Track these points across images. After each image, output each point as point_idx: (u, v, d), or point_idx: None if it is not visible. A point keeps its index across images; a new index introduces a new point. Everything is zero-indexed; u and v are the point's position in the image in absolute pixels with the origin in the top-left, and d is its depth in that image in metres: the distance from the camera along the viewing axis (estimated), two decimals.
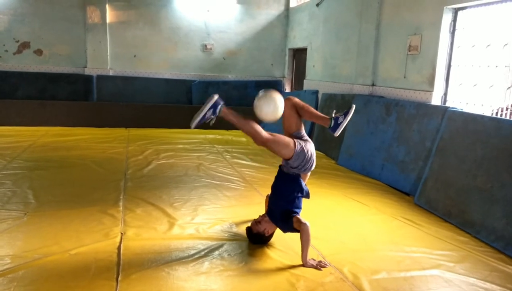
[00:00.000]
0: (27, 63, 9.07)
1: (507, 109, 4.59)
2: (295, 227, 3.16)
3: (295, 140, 3.26)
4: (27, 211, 3.92)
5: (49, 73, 9.12)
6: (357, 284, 2.90)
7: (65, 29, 9.16)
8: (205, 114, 3.12)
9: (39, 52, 9.13)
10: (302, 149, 3.23)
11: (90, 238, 3.38)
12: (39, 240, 3.32)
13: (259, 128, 3.14)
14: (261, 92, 3.24)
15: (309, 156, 3.26)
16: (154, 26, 9.62)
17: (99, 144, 7.09)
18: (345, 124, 3.27)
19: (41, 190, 4.55)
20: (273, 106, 3.17)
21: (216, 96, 3.15)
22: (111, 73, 9.49)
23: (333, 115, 3.34)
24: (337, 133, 3.28)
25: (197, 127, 3.17)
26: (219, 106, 3.15)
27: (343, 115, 3.29)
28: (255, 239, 3.44)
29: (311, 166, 3.32)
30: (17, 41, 8.97)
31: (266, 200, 3.86)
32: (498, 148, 3.98)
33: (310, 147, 3.30)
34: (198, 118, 3.13)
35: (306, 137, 3.38)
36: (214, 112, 3.15)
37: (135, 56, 9.66)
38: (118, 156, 6.34)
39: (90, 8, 9.10)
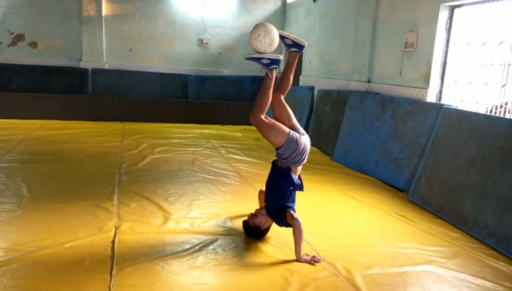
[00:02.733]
0: (22, 56, 9.00)
1: (501, 107, 4.62)
2: (288, 222, 3.18)
3: (292, 131, 3.28)
4: (20, 204, 3.91)
5: (44, 66, 9.06)
6: (350, 279, 2.92)
7: (60, 21, 9.09)
8: (264, 59, 3.20)
9: (33, 44, 9.06)
10: (296, 140, 3.23)
11: (85, 232, 3.38)
12: (33, 233, 3.31)
13: (267, 107, 3.21)
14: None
15: (302, 148, 3.25)
16: (150, 19, 9.57)
17: (94, 138, 7.06)
18: (267, 55, 3.19)
19: (35, 183, 4.53)
20: (265, 30, 3.19)
21: (281, 59, 3.25)
22: (106, 66, 9.44)
23: (265, 69, 3.25)
24: (279, 57, 3.21)
25: (248, 59, 3.25)
26: (274, 66, 3.22)
27: (260, 61, 3.22)
28: (251, 233, 3.45)
29: (303, 159, 3.31)
30: (12, 33, 8.89)
31: (259, 195, 3.87)
32: (492, 146, 4.01)
33: (305, 140, 3.30)
34: (256, 55, 3.21)
35: (302, 130, 3.39)
36: (267, 65, 3.22)
37: (130, 50, 9.61)
38: (113, 150, 6.32)
39: (86, 1, 9.03)
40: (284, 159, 3.28)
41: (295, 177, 3.33)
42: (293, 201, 3.34)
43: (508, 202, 3.68)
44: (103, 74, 9.38)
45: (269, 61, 3.23)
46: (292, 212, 3.21)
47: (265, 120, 3.19)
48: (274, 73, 3.27)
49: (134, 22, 9.49)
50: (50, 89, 8.99)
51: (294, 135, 3.25)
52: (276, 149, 3.30)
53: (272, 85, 3.27)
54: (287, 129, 3.26)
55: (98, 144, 6.61)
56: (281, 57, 3.29)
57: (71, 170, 5.19)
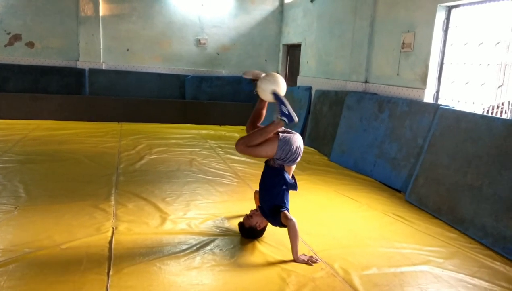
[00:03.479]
0: (19, 56, 8.97)
1: (498, 107, 4.64)
2: (283, 222, 3.18)
3: (280, 133, 3.27)
4: (17, 205, 3.90)
5: (41, 66, 9.03)
6: (348, 279, 2.93)
7: (58, 21, 9.07)
8: (285, 107, 3.19)
9: (30, 44, 9.03)
10: (287, 140, 3.22)
11: (82, 232, 3.37)
12: (30, 234, 3.30)
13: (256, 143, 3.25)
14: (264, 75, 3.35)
15: (295, 147, 3.24)
16: (148, 20, 9.56)
17: (91, 139, 7.05)
18: (289, 107, 3.22)
19: (32, 184, 4.51)
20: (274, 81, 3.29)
21: (295, 121, 3.23)
22: (103, 67, 9.42)
23: (278, 116, 3.25)
24: (295, 118, 3.23)
25: (274, 94, 3.24)
26: (285, 119, 3.19)
27: (280, 107, 3.24)
28: (248, 234, 3.45)
29: (297, 158, 3.29)
30: (9, 33, 8.86)
31: (254, 195, 3.86)
32: (489, 146, 4.02)
33: (296, 139, 3.28)
34: (283, 99, 3.22)
35: (289, 130, 3.39)
36: (282, 114, 3.18)
37: (128, 50, 9.59)
38: (110, 150, 6.31)
39: (83, 1, 9.01)
40: (280, 160, 3.28)
41: (288, 176, 3.32)
42: (287, 200, 3.33)
43: (505, 202, 3.70)
44: (101, 74, 9.36)
45: (288, 113, 3.18)
46: (286, 212, 3.21)
47: (250, 144, 3.23)
48: (281, 124, 3.23)
49: (131, 22, 9.47)
50: (47, 90, 8.97)
51: (283, 137, 3.23)
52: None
53: (273, 132, 3.27)
54: (273, 138, 3.24)
55: (96, 145, 6.60)
56: (297, 120, 3.28)
57: (68, 170, 5.17)
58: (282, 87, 3.30)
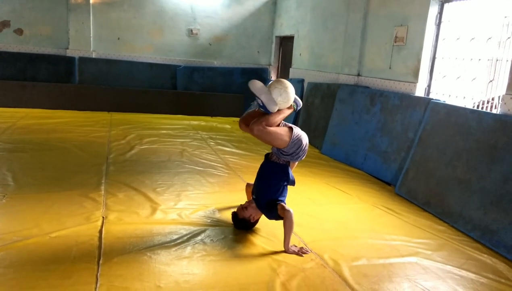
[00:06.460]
0: (7, 43, 8.80)
1: (488, 102, 4.68)
2: (279, 214, 3.19)
3: (294, 127, 3.26)
4: (5, 193, 3.85)
5: (30, 54, 8.87)
6: (338, 270, 2.95)
7: (47, 8, 8.90)
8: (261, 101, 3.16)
9: (19, 31, 8.86)
10: (299, 137, 3.23)
11: (71, 222, 3.35)
12: (19, 222, 3.26)
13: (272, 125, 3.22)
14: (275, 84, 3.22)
15: (304, 144, 3.28)
16: (139, 8, 9.44)
17: (81, 128, 6.97)
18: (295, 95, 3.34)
19: (20, 173, 4.46)
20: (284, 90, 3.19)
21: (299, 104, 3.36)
22: (93, 55, 9.29)
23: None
24: (301, 102, 3.39)
25: (254, 88, 3.13)
26: (295, 104, 3.30)
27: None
28: (240, 225, 3.45)
29: (303, 155, 3.33)
30: None
31: (246, 188, 3.85)
32: (478, 140, 4.06)
33: (306, 138, 3.32)
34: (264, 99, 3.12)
35: (296, 126, 3.39)
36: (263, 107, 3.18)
37: (119, 38, 9.47)
38: (100, 140, 6.25)
39: None
40: (288, 155, 3.27)
41: (291, 172, 3.35)
42: (285, 195, 3.35)
43: (493, 195, 3.75)
44: (91, 63, 9.23)
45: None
46: (283, 204, 3.22)
47: (269, 124, 3.13)
48: (292, 108, 3.29)
49: (122, 10, 9.34)
50: (36, 78, 8.82)
51: (296, 132, 3.23)
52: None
53: (287, 115, 3.28)
54: (286, 129, 3.22)
55: (85, 134, 6.53)
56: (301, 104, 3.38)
57: (57, 159, 5.12)
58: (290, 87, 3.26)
